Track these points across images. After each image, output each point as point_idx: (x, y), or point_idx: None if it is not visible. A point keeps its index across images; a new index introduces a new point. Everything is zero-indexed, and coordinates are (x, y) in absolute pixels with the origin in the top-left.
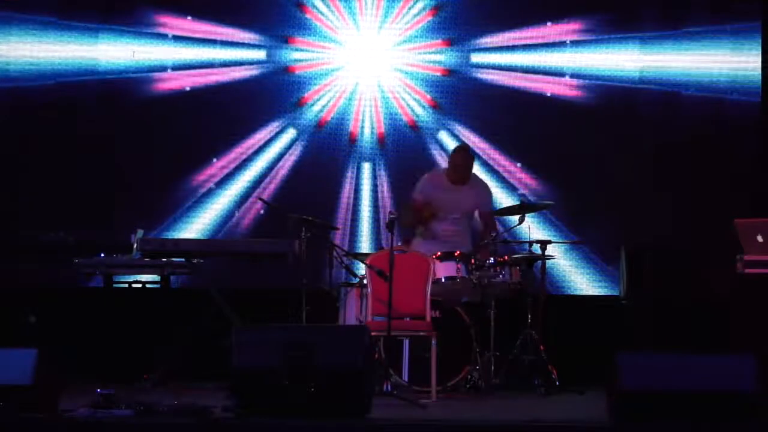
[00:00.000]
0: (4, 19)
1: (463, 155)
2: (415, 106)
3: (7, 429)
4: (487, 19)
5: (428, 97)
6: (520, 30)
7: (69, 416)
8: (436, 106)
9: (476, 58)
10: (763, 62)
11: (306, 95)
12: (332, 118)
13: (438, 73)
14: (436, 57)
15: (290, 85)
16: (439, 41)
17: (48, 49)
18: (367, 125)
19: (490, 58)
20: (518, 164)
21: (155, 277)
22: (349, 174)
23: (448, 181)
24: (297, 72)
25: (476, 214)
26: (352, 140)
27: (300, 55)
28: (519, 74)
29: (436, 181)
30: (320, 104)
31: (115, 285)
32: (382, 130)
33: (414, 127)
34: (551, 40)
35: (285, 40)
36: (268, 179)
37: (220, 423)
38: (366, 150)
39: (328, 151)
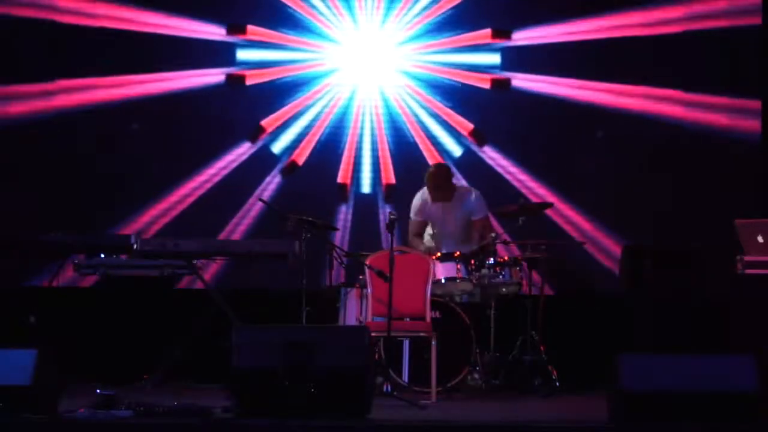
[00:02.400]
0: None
1: (436, 175)
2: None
3: (7, 429)
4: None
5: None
6: (528, 29)
7: (69, 417)
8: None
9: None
10: (763, 63)
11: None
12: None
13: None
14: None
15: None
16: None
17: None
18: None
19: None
20: (519, 165)
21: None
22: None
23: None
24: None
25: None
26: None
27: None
28: (521, 74)
29: (426, 200)
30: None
31: (115, 285)
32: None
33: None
34: (559, 40)
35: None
36: (266, 180)
37: (220, 423)
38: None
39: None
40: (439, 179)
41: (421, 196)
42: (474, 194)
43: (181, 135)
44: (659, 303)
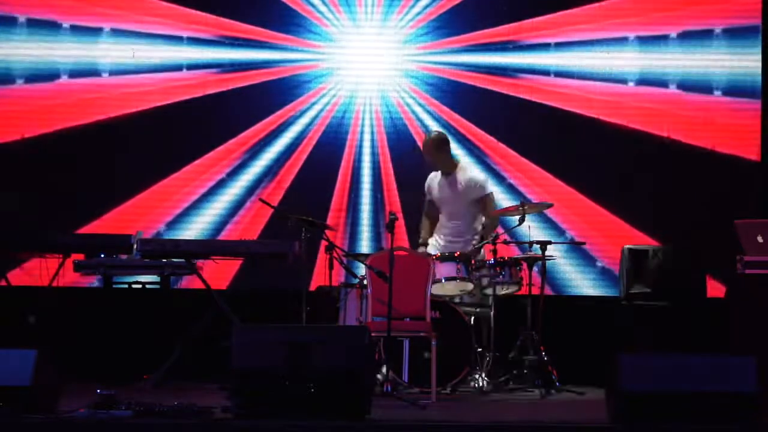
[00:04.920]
0: (6, 19)
1: (423, 145)
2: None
3: (7, 429)
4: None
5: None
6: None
7: (68, 417)
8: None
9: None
10: (763, 62)
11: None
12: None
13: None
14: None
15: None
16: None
17: (48, 49)
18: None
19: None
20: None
21: (155, 278)
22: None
23: (440, 174)
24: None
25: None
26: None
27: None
28: (520, 75)
29: (433, 176)
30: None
31: (115, 285)
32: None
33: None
34: (563, 39)
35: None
36: (266, 180)
37: (220, 423)
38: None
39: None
40: (426, 148)
41: (431, 173)
42: (477, 170)
43: (182, 135)
44: (659, 303)
